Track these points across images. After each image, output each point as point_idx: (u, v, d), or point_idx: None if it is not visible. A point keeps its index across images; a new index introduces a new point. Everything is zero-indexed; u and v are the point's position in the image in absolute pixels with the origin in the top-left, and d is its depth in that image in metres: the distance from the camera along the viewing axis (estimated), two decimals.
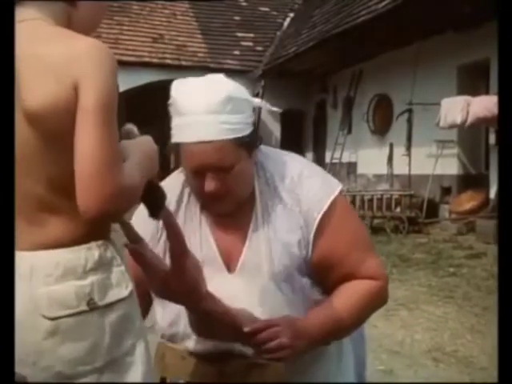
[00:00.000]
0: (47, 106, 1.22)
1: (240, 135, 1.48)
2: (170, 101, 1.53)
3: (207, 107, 1.45)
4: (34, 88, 1.23)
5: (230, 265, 1.57)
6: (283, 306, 1.54)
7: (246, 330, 1.44)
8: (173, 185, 1.62)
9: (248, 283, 1.54)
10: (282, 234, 1.55)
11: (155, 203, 1.35)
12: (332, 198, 1.57)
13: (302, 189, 1.57)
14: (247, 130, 1.50)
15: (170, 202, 1.58)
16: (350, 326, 1.60)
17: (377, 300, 1.63)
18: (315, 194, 1.57)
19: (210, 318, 1.46)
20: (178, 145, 1.52)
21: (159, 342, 1.70)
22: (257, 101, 1.58)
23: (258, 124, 1.58)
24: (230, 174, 1.49)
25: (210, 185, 1.49)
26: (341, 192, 1.62)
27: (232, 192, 1.53)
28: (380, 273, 1.62)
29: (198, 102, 1.47)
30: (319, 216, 1.55)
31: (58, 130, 1.23)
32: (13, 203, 1.25)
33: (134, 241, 1.38)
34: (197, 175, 1.51)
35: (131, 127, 1.40)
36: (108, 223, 1.36)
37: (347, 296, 1.58)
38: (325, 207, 1.56)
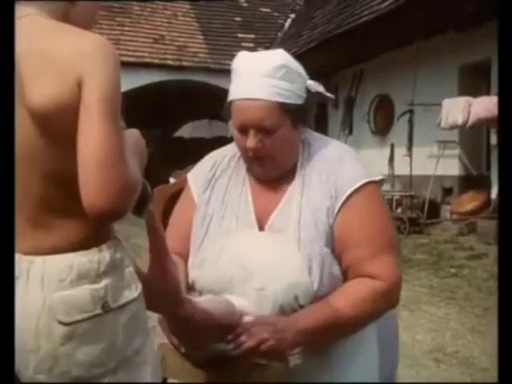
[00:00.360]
0: (51, 102, 1.21)
1: (286, 101, 1.60)
2: (232, 66, 1.67)
3: (261, 70, 1.60)
4: (38, 84, 1.22)
5: (261, 223, 1.66)
6: (302, 267, 1.57)
7: (228, 338, 1.50)
8: (229, 149, 1.80)
9: (273, 242, 1.61)
10: (313, 202, 1.62)
11: (139, 200, 1.33)
12: (367, 180, 1.64)
13: (342, 165, 1.66)
14: (294, 100, 1.61)
15: (223, 161, 1.77)
16: (349, 324, 1.60)
17: (381, 302, 1.62)
18: (353, 173, 1.65)
19: (189, 323, 1.46)
20: (230, 104, 1.64)
21: (160, 344, 1.70)
22: (310, 82, 1.69)
23: (310, 104, 1.70)
24: (272, 137, 1.61)
25: (251, 141, 1.61)
26: (379, 182, 1.68)
27: (272, 156, 1.64)
28: (389, 274, 1.61)
29: (253, 66, 1.62)
30: (349, 191, 1.62)
31: (62, 127, 1.22)
32: (13, 205, 1.24)
33: None
34: (241, 132, 1.63)
35: None
36: (112, 223, 1.35)
37: (348, 293, 1.59)
38: (357, 185, 1.62)
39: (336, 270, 1.61)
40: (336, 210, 1.61)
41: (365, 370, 1.71)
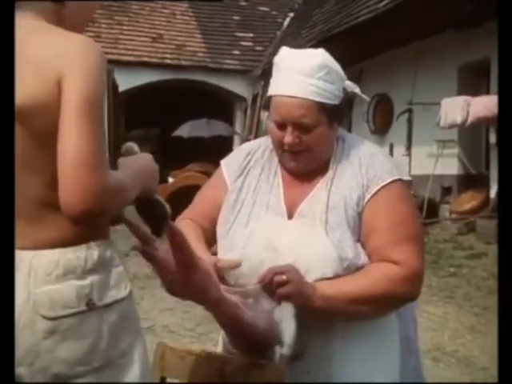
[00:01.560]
0: (32, 102, 1.20)
1: (323, 101, 1.66)
2: (274, 60, 1.72)
3: (302, 69, 1.65)
4: (20, 85, 1.21)
5: (291, 212, 1.71)
6: (330, 250, 1.60)
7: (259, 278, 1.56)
8: (264, 140, 1.85)
9: (301, 227, 1.66)
10: (344, 189, 1.68)
11: (156, 221, 1.35)
12: (398, 177, 1.70)
13: (375, 161, 1.71)
14: (332, 100, 1.68)
15: (257, 151, 1.83)
16: (364, 300, 1.61)
17: (397, 286, 1.62)
18: (386, 169, 1.70)
19: (220, 321, 1.49)
20: (270, 98, 1.71)
21: (159, 342, 1.70)
22: (348, 83, 1.76)
23: (349, 105, 1.77)
24: (309, 135, 1.66)
25: (289, 137, 1.66)
26: (408, 183, 1.74)
27: (308, 150, 1.69)
28: (409, 262, 1.63)
29: (295, 64, 1.67)
30: (381, 184, 1.67)
31: (45, 127, 1.21)
32: (13, 203, 1.24)
33: (145, 241, 1.37)
34: (279, 128, 1.69)
35: (131, 145, 1.43)
36: (106, 222, 1.35)
37: (366, 272, 1.62)
38: (389, 180, 1.68)
39: (364, 256, 1.65)
40: (366, 200, 1.66)
41: (384, 367, 1.70)
